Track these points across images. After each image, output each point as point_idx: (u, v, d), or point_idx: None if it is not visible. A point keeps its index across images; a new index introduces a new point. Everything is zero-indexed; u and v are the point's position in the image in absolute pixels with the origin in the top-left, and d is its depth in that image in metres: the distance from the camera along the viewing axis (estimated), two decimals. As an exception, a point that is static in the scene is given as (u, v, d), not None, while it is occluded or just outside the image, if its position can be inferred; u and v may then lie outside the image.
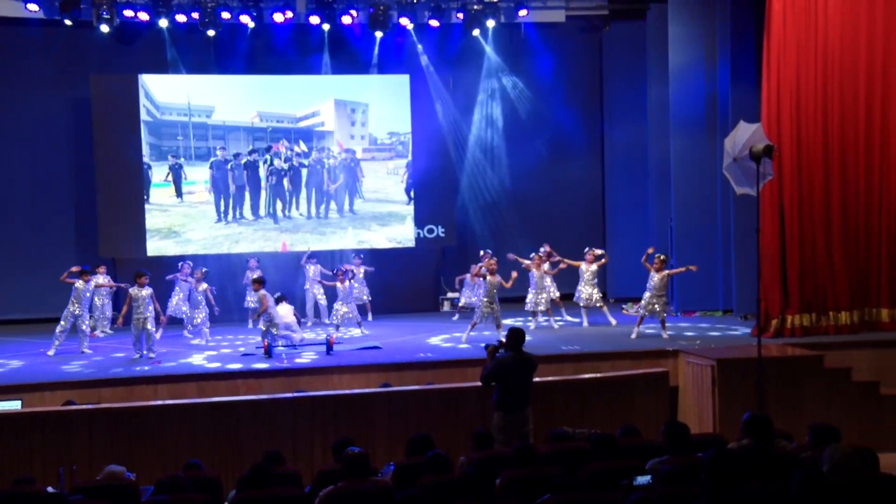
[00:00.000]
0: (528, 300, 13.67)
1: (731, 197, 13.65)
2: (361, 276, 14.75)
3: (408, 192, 16.47)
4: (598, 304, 13.74)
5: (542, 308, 13.66)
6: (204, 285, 13.04)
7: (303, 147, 16.08)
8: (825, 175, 12.17)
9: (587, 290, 13.74)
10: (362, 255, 15.17)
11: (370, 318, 14.95)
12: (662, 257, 12.53)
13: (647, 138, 16.35)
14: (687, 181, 14.87)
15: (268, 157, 15.95)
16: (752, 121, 9.87)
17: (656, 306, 12.31)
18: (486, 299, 12.22)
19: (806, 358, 10.30)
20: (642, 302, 12.50)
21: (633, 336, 12.11)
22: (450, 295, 16.26)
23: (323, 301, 14.67)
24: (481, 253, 14.51)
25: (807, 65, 12.03)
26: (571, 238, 16.04)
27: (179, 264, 13.75)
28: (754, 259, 9.78)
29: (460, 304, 15.07)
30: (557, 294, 14.32)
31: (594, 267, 13.84)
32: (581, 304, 13.79)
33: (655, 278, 12.34)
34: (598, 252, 14.02)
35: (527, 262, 13.68)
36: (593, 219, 17.92)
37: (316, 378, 10.38)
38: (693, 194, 14.83)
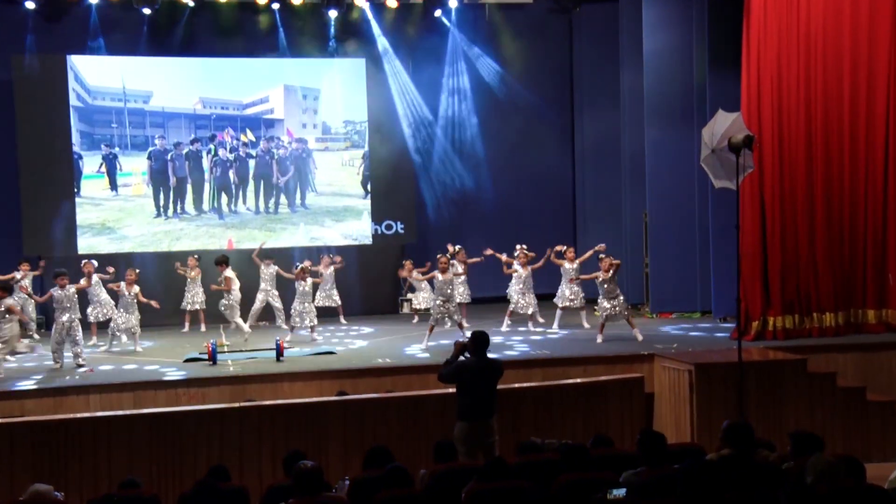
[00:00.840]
0: (517, 302, 13.63)
1: (709, 190, 13.70)
2: (330, 275, 14.79)
3: (364, 185, 16.43)
4: (577, 306, 13.77)
5: (529, 310, 13.72)
6: (136, 288, 12.86)
7: (250, 136, 15.94)
8: (808, 168, 12.29)
9: (569, 291, 13.70)
10: (332, 254, 15.07)
11: (343, 320, 15.00)
12: (604, 258, 12.51)
13: (620, 127, 16.43)
14: (662, 173, 14.95)
15: (212, 146, 15.77)
16: (731, 110, 9.93)
17: (615, 308, 12.36)
18: (439, 299, 12.17)
19: (789, 362, 10.37)
20: (597, 309, 12.63)
21: (599, 340, 12.16)
22: (409, 296, 16.24)
23: (279, 304, 14.58)
24: (453, 248, 14.40)
25: (788, 51, 12.13)
26: (540, 233, 16.09)
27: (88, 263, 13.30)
28: (734, 257, 9.85)
29: (415, 307, 15.21)
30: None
31: (577, 265, 13.87)
32: (560, 306, 13.79)
33: (601, 278, 12.45)
34: (605, 254, 13.91)
35: (509, 258, 13.76)
36: (563, 213, 18.01)
37: (265, 386, 10.28)
38: (669, 187, 14.91)
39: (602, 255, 12.56)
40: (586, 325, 13.73)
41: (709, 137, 9.56)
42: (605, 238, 16.06)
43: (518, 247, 14.13)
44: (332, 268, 14.79)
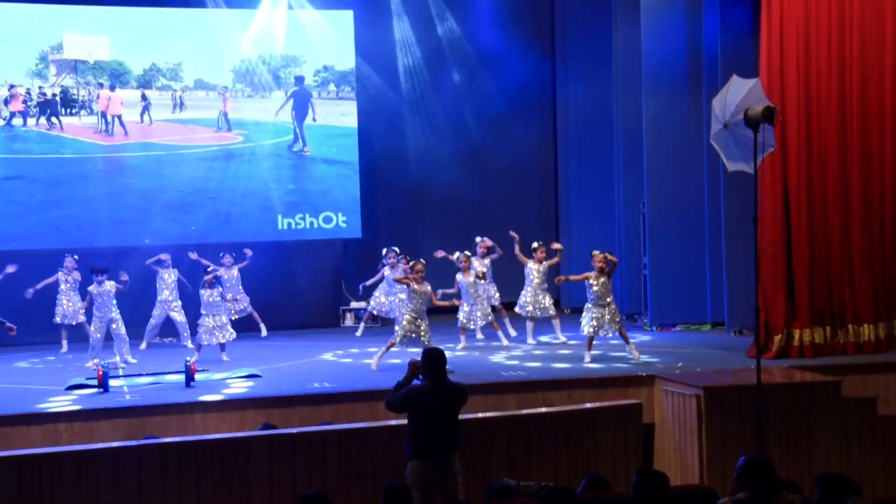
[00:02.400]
0: (460, 314, 13.78)
1: (721, 175, 13.85)
2: (236, 278, 14.97)
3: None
4: (550, 314, 13.97)
5: (480, 322, 13.83)
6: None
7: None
8: (842, 147, 12.36)
9: (535, 297, 13.89)
10: (234, 254, 15.23)
11: (264, 332, 15.22)
12: (601, 255, 12.58)
13: (611, 98, 16.55)
14: (664, 154, 15.09)
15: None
16: (747, 75, 9.99)
17: (604, 317, 12.41)
18: (409, 315, 12.13)
19: (818, 385, 10.45)
20: (583, 319, 12.64)
21: (587, 361, 12.19)
22: (353, 304, 16.18)
23: (181, 318, 14.57)
24: (389, 253, 14.51)
25: (818, 4, 12.22)
26: (516, 226, 16.08)
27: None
28: (751, 257, 9.88)
29: (366, 316, 15.40)
30: (498, 301, 14.55)
31: (544, 266, 14.00)
32: (526, 316, 13.96)
33: (593, 284, 12.48)
34: (556, 246, 14.20)
35: (455, 256, 13.94)
36: (543, 202, 18.13)
37: (171, 419, 10.16)
38: (672, 171, 15.06)
39: (596, 252, 12.59)
40: (561, 338, 13.89)
41: (720, 109, 9.61)
42: (595, 233, 16.29)
43: (477, 245, 14.32)
44: (236, 267, 15.02)
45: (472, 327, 13.92)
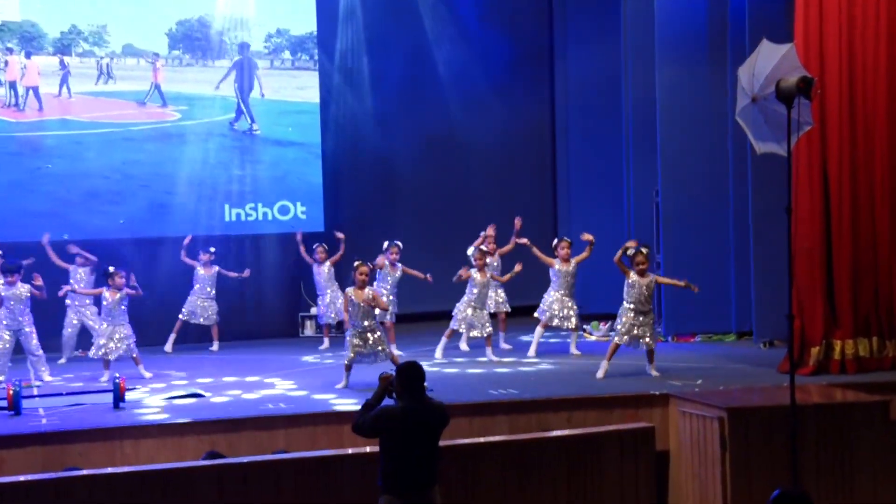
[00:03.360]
0: (462, 311, 13.84)
1: (748, 158, 13.93)
2: (211, 279, 15.37)
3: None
4: (571, 326, 14.20)
5: (476, 333, 13.90)
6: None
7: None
8: (893, 124, 12.36)
9: (561, 305, 14.06)
10: (212, 250, 15.46)
11: (215, 346, 15.46)
12: (645, 251, 12.66)
13: (619, 69, 16.57)
14: (681, 134, 15.14)
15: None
16: (779, 40, 10.00)
17: (641, 330, 12.40)
18: (353, 331, 12.18)
19: (863, 405, 10.41)
20: (617, 324, 12.61)
21: (600, 375, 12.26)
22: (314, 311, 16.21)
23: (98, 326, 14.44)
24: (391, 248, 14.65)
25: (863, -46, 12.25)
26: (505, 220, 16.10)
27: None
28: (784, 254, 9.87)
29: (328, 324, 15.60)
30: (506, 307, 14.84)
31: (573, 265, 14.12)
32: (543, 320, 14.14)
33: (637, 284, 12.41)
34: (587, 237, 14.06)
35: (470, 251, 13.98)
36: (538, 191, 18.22)
37: (96, 447, 10.05)
38: (690, 154, 15.12)
39: (632, 245, 12.61)
40: (575, 352, 14.05)
41: (748, 81, 9.60)
42: (599, 228, 16.12)
43: (484, 234, 14.46)
44: (215, 268, 15.42)
45: (463, 331, 13.96)
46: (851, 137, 12.30)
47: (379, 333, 12.22)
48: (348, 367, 12.16)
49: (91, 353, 13.30)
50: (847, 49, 12.24)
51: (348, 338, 12.16)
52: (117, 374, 11.62)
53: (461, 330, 13.88)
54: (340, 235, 15.39)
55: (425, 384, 8.07)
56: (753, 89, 9.55)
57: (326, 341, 15.35)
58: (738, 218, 14.84)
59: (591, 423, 10.72)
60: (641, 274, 12.41)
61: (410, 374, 7.91)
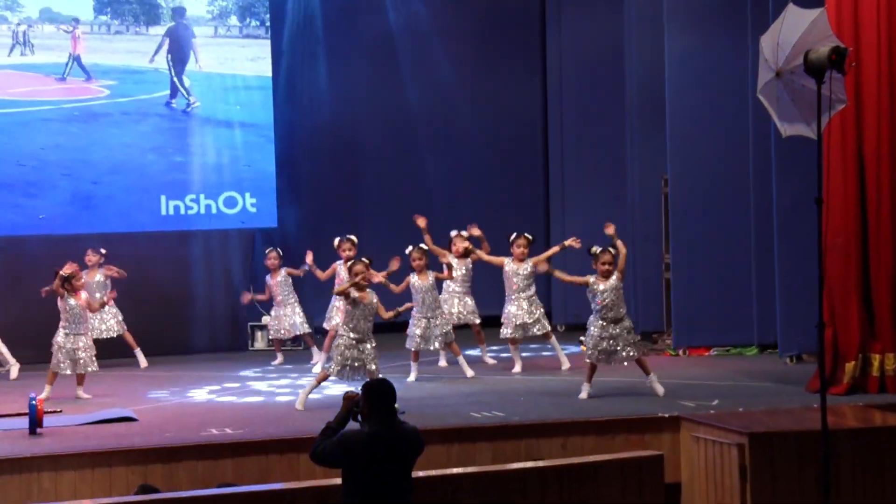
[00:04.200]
0: (414, 328, 13.88)
1: (772, 142, 13.93)
2: (103, 284, 15.10)
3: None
4: (539, 332, 14.18)
5: (437, 344, 13.97)
6: None
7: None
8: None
9: (524, 310, 14.06)
10: (103, 251, 15.38)
11: (141, 357, 15.39)
12: (600, 252, 12.58)
13: (622, 37, 16.61)
14: (693, 114, 15.19)
15: None
16: (808, 4, 10.00)
17: (611, 343, 12.37)
18: (347, 337, 12.19)
19: (906, 430, 10.56)
20: (586, 339, 12.64)
21: (583, 396, 12.33)
22: (267, 320, 16.17)
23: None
24: (343, 244, 14.57)
25: None
26: (490, 215, 16.23)
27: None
28: (813, 252, 9.89)
29: (278, 339, 15.56)
30: (477, 317, 14.79)
31: (528, 266, 14.07)
32: (508, 335, 14.18)
33: (603, 289, 12.38)
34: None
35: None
36: (527, 179, 18.30)
37: (8, 480, 9.93)
38: (704, 137, 15.17)
39: (597, 249, 12.57)
40: (566, 365, 14.12)
41: (771, 51, 9.59)
42: (598, 221, 15.85)
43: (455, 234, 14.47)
44: (100, 273, 15.16)
45: (432, 348, 14.00)
46: (891, 116, 12.27)
47: (373, 346, 12.27)
48: (320, 381, 12.24)
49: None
50: (886, 14, 12.21)
51: (339, 345, 12.19)
52: (34, 395, 11.56)
53: (418, 348, 13.87)
54: (308, 265, 15.06)
55: (397, 405, 8.04)
56: (778, 62, 9.51)
57: (280, 356, 15.33)
58: (761, 211, 14.86)
59: (588, 451, 10.67)
60: (606, 276, 12.38)
61: (379, 394, 7.88)
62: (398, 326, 14.17)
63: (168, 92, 16.62)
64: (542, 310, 14.34)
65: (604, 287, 12.34)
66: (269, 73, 16.91)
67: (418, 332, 13.76)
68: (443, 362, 14.51)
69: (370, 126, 17.92)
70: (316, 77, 17.68)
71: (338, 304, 13.93)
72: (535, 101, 18.45)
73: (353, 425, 7.97)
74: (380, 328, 12.74)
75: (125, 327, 15.24)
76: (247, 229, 16.97)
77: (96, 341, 13.88)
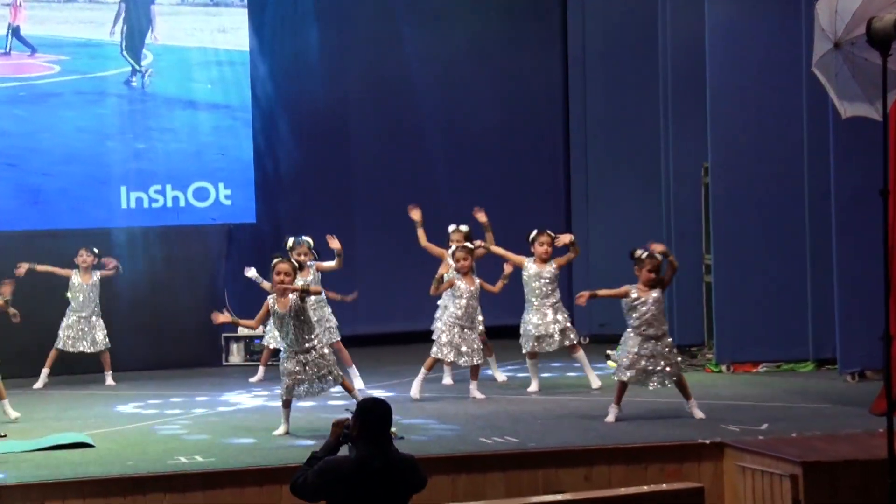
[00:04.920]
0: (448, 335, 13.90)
1: (830, 124, 13.93)
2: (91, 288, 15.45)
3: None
4: (566, 343, 14.20)
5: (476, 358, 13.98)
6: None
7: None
8: None
9: (547, 320, 14.11)
10: (96, 251, 15.59)
11: (109, 380, 15.56)
12: (644, 254, 12.50)
13: (655, 5, 16.69)
14: (738, 93, 15.22)
15: None
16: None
17: (651, 362, 12.39)
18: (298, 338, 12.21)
19: None
20: (620, 355, 12.65)
21: (610, 419, 12.35)
22: (244, 330, 16.06)
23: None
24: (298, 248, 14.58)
25: None
26: (503, 213, 16.32)
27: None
28: (878, 252, 9.77)
29: (265, 353, 15.62)
30: (482, 327, 14.69)
31: (552, 269, 14.07)
32: (529, 349, 14.24)
33: (644, 301, 12.36)
34: (566, 239, 14.14)
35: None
36: (545, 170, 18.44)
37: None
38: (751, 120, 15.21)
39: (641, 251, 12.49)
40: (595, 383, 14.20)
41: (829, 20, 9.61)
42: (626, 218, 16.33)
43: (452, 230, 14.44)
44: (96, 276, 15.40)
45: (450, 359, 13.98)
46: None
47: (326, 352, 12.29)
48: (286, 404, 12.23)
49: None
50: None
51: (281, 364, 12.27)
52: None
53: (447, 358, 13.89)
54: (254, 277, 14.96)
55: (393, 430, 8.02)
56: (836, 31, 9.57)
57: (261, 371, 15.33)
58: (817, 204, 14.94)
59: (617, 483, 10.68)
60: (650, 286, 12.37)
61: (372, 415, 7.80)
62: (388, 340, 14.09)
63: (129, 69, 16.63)
64: (569, 319, 14.32)
65: (645, 299, 12.35)
66: (247, 47, 16.91)
67: (445, 338, 13.81)
68: (447, 379, 14.57)
69: (365, 107, 18.06)
70: (302, 51, 17.79)
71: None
72: (553, 79, 18.57)
73: (342, 454, 7.92)
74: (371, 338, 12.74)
75: (108, 344, 15.50)
76: (220, 225, 16.99)
77: (80, 355, 14.78)
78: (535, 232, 14.12)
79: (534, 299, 14.11)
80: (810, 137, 14.93)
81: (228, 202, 16.77)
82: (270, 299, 12.21)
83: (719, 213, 15.31)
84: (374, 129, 18.04)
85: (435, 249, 14.38)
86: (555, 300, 14.13)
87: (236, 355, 16.63)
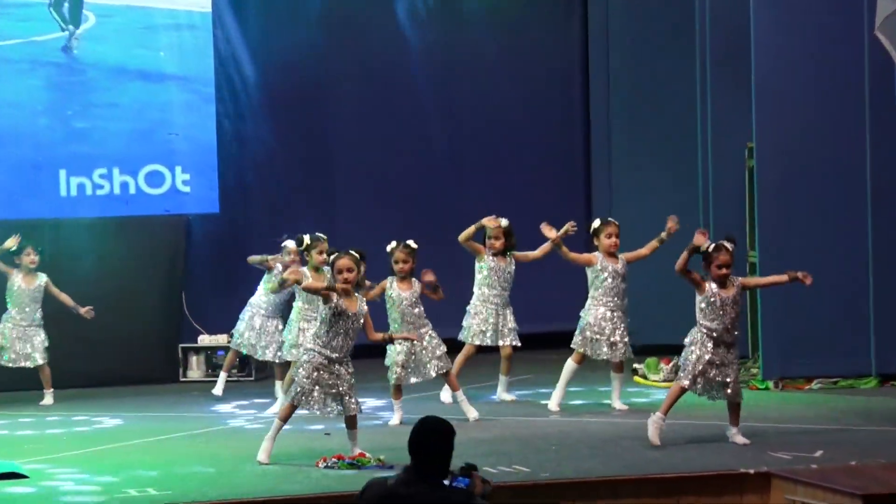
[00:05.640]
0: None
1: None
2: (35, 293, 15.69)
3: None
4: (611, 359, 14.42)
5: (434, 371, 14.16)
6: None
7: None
8: None
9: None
10: (40, 249, 15.77)
11: (49, 398, 15.65)
12: (730, 246, 12.32)
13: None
14: (786, 65, 15.28)
15: None
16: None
17: (722, 371, 12.25)
18: (313, 359, 12.13)
19: None
20: (684, 359, 12.43)
21: (653, 437, 12.20)
22: (205, 340, 16.20)
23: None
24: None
25: None
26: (509, 199, 16.26)
27: None
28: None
29: (227, 361, 15.69)
30: (516, 339, 14.89)
31: (623, 262, 14.37)
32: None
33: (719, 300, 12.21)
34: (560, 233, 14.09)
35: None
36: (562, 154, 18.47)
37: None
38: (802, 95, 15.25)
39: (709, 245, 12.35)
40: (618, 406, 14.27)
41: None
42: (657, 205, 16.31)
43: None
44: (42, 278, 15.57)
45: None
46: None
47: (352, 370, 12.23)
48: (285, 416, 12.23)
49: None
50: None
51: (304, 368, 12.10)
52: None
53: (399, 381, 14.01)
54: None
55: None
56: None
57: (222, 380, 15.27)
58: (880, 191, 15.01)
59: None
60: (724, 284, 12.17)
61: (431, 437, 7.69)
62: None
63: (67, 33, 16.54)
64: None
65: (725, 297, 12.19)
66: (209, 8, 16.82)
67: (400, 358, 13.97)
68: (446, 396, 14.53)
69: (350, 79, 18.13)
70: (275, 12, 17.80)
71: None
72: (571, 48, 18.68)
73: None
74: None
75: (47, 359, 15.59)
76: (178, 216, 16.92)
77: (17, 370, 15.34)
78: (597, 222, 14.24)
79: (609, 300, 14.30)
80: (873, 114, 14.94)
81: (187, 189, 16.74)
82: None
83: (766, 203, 15.23)
84: (360, 105, 18.11)
85: (474, 245, 14.49)
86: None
87: (196, 369, 16.63)
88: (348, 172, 17.84)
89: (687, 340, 12.40)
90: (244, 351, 15.13)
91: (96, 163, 16.47)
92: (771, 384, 14.99)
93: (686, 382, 12.19)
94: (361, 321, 12.22)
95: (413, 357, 13.93)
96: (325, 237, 14.40)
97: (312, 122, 17.86)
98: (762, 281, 13.20)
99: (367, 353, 14.35)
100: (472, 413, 13.74)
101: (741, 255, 15.46)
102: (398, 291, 13.82)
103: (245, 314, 15.04)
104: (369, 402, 14.38)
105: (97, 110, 16.53)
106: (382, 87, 18.04)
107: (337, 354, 12.13)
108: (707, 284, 12.23)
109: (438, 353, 14.00)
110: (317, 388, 12.12)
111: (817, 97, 15.11)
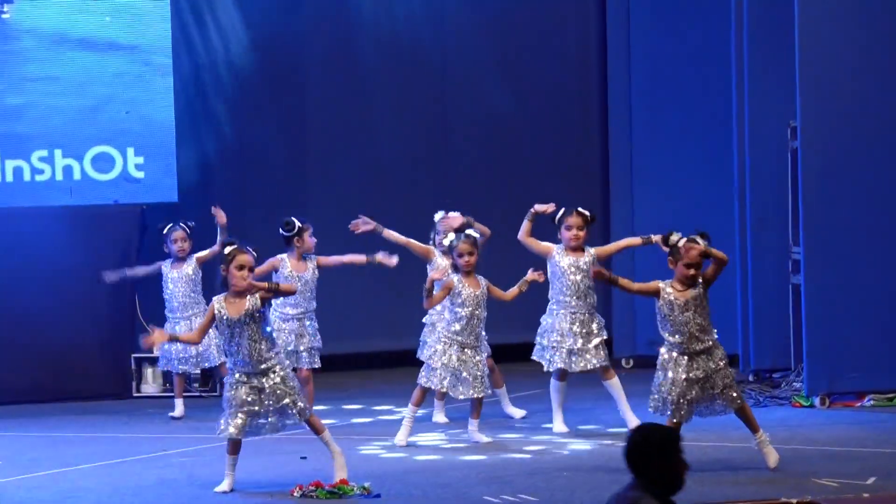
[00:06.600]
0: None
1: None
2: None
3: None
4: (593, 364, 14.56)
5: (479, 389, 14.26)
6: None
7: None
8: None
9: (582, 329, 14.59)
10: None
11: None
12: (703, 242, 12.40)
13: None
14: (835, 35, 15.56)
15: None
16: None
17: (703, 389, 12.38)
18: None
19: None
20: (655, 384, 12.58)
21: None
22: (160, 350, 16.24)
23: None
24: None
25: None
26: (516, 191, 16.47)
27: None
28: None
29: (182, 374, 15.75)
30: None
31: (589, 257, 14.40)
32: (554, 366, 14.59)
33: (680, 304, 12.33)
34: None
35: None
36: (576, 137, 18.67)
37: None
38: (852, 68, 15.54)
39: (677, 238, 12.41)
40: (633, 421, 14.32)
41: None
42: (683, 198, 16.64)
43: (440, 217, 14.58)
44: None
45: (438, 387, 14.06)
46: None
47: (283, 374, 12.21)
48: (233, 448, 12.13)
49: None
50: None
51: (226, 391, 12.23)
52: None
53: (440, 388, 14.02)
54: (220, 217, 15.26)
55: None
56: None
57: (180, 405, 15.46)
58: None
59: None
60: (689, 283, 12.32)
61: (654, 447, 7.47)
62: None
63: None
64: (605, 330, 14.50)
65: (686, 299, 12.30)
66: None
67: (437, 361, 13.91)
68: (440, 415, 14.70)
69: (327, 52, 18.39)
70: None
71: None
72: (587, 15, 18.81)
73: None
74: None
75: None
76: (130, 206, 17.06)
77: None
78: (561, 211, 14.28)
79: (564, 300, 14.32)
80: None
81: (140, 174, 16.89)
82: (216, 302, 12.15)
83: (811, 191, 15.28)
84: (338, 82, 18.30)
85: (419, 247, 14.47)
86: (592, 301, 14.42)
87: (152, 383, 16.77)
88: (322, 154, 18.07)
89: (658, 363, 12.53)
90: (177, 370, 15.50)
91: (35, 144, 16.61)
92: (816, 400, 15.04)
93: (674, 419, 12.23)
94: (248, 322, 12.12)
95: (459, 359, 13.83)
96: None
97: (285, 102, 18.03)
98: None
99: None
100: (483, 438, 13.79)
101: (783, 251, 16.02)
102: (468, 289, 13.78)
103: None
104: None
105: (34, 84, 16.67)
106: (360, 64, 18.25)
107: (249, 368, 12.15)
108: (663, 287, 12.31)
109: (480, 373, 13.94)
110: (249, 414, 12.12)
111: (867, 72, 15.26)
